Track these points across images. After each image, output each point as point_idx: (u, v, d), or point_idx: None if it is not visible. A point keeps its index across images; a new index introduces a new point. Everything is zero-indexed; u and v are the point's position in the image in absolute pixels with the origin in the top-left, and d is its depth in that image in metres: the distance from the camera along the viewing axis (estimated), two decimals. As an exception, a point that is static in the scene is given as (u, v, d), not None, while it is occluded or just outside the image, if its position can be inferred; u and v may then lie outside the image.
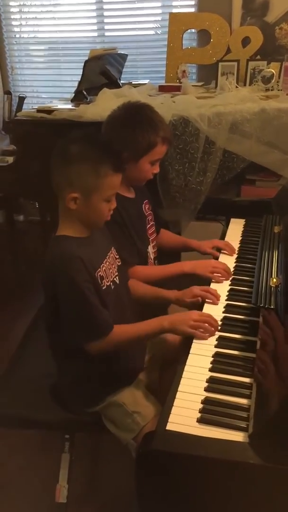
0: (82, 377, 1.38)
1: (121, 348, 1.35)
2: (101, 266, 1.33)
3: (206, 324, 1.31)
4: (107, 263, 1.37)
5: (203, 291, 1.48)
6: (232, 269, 1.65)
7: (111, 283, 1.37)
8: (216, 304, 1.45)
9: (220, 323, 1.35)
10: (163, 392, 1.40)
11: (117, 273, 1.42)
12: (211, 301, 1.45)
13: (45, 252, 1.31)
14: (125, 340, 1.32)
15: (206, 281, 1.60)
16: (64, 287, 1.24)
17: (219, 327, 1.33)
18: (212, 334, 1.30)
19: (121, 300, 1.41)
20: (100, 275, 1.31)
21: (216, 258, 1.74)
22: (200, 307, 1.44)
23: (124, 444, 1.34)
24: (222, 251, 1.78)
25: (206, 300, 1.46)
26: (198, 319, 1.32)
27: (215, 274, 1.61)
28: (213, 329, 1.31)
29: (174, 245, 1.93)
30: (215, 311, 1.41)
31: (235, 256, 1.76)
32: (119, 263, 1.47)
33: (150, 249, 1.77)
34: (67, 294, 1.24)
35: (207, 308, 1.43)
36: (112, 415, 1.37)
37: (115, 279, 1.40)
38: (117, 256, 1.47)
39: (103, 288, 1.32)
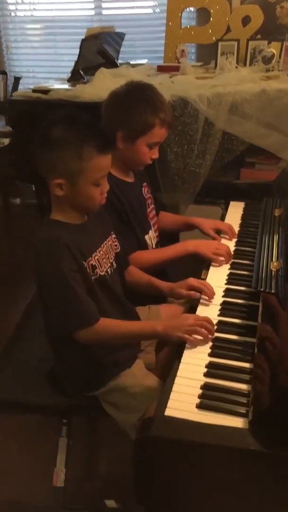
0: (80, 363, 1.35)
1: (108, 342, 1.31)
2: (93, 255, 1.29)
3: (203, 330, 1.21)
4: (101, 252, 1.34)
5: (200, 284, 1.42)
6: (231, 253, 1.62)
7: (105, 273, 1.33)
8: (211, 299, 1.38)
9: (219, 307, 1.33)
10: (159, 372, 1.40)
11: (112, 262, 1.38)
12: (206, 296, 1.39)
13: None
14: (112, 335, 1.28)
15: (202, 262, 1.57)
16: (47, 274, 1.21)
17: (219, 312, 1.31)
18: (207, 339, 1.21)
19: (114, 291, 1.38)
20: (91, 264, 1.28)
21: None
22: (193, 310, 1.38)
23: (123, 429, 1.33)
24: (222, 234, 1.74)
25: (202, 295, 1.40)
26: (194, 323, 1.23)
27: (217, 256, 1.58)
28: (208, 334, 1.22)
29: (175, 226, 1.88)
30: (214, 298, 1.39)
31: (235, 239, 1.74)
32: (118, 250, 1.44)
33: (152, 234, 1.74)
34: (51, 281, 1.21)
35: (203, 306, 1.38)
36: (114, 400, 1.35)
37: (109, 269, 1.36)
38: (116, 243, 1.44)
39: (94, 277, 1.28)
